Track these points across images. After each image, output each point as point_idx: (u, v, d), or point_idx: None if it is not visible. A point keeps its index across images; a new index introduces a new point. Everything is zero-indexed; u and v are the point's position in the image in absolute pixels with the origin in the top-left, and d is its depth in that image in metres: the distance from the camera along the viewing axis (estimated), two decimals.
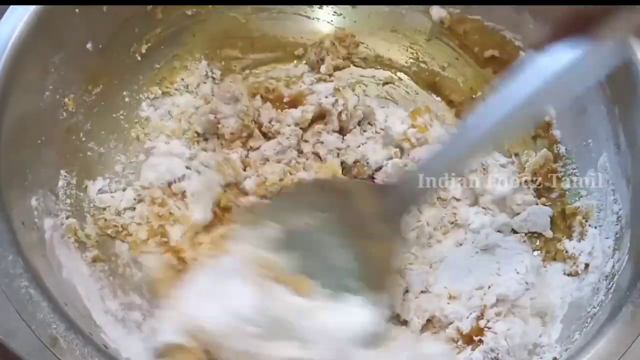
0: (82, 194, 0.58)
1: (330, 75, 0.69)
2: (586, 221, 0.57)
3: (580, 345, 0.47)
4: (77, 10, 0.55)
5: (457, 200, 0.62)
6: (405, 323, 0.56)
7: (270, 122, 0.63)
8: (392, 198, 0.51)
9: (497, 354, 0.51)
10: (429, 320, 0.55)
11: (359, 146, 0.63)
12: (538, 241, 0.60)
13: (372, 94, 0.69)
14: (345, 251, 0.52)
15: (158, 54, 0.64)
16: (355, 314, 0.49)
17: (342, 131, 0.64)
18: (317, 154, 0.63)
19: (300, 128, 0.63)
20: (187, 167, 0.61)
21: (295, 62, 0.70)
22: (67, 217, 0.55)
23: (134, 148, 0.62)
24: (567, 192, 0.60)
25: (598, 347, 0.44)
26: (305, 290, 0.50)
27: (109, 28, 0.58)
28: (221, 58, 0.68)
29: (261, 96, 0.65)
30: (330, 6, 0.70)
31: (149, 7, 0.61)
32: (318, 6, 0.69)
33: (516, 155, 0.63)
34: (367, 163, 0.62)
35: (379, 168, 0.63)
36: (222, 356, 0.47)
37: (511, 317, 0.54)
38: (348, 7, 0.69)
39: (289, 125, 0.63)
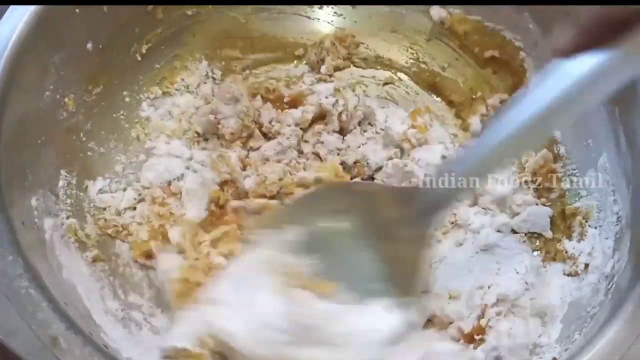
0: (82, 194, 0.58)
1: (330, 76, 0.69)
2: (586, 221, 0.57)
3: (580, 345, 0.47)
4: (77, 10, 0.54)
5: (457, 200, 0.61)
6: None
7: (270, 122, 0.63)
8: (420, 201, 0.49)
9: (499, 353, 0.51)
10: (429, 320, 0.56)
11: (359, 146, 0.63)
12: (538, 241, 0.60)
13: (372, 94, 0.69)
14: (371, 253, 0.51)
15: (158, 54, 0.64)
16: (382, 317, 0.49)
17: (342, 131, 0.64)
18: (317, 154, 0.63)
19: (301, 128, 0.63)
20: (187, 167, 0.61)
21: (295, 62, 0.70)
22: (67, 217, 0.55)
23: (134, 148, 0.63)
24: (567, 193, 0.60)
25: (598, 347, 0.44)
26: (331, 294, 0.50)
27: (109, 28, 0.58)
28: (221, 58, 0.68)
29: (261, 96, 0.65)
30: (330, 7, 0.70)
31: (150, 7, 0.61)
32: (318, 6, 0.69)
33: None
34: (368, 163, 0.62)
35: (379, 168, 0.63)
36: None
37: (512, 317, 0.54)
38: (348, 7, 0.70)
39: (289, 126, 0.63)
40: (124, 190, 0.60)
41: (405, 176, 0.61)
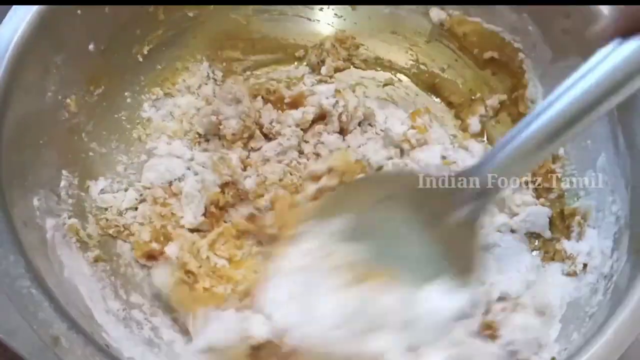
0: (84, 194, 0.58)
1: (330, 77, 0.69)
2: (585, 221, 0.57)
3: (579, 345, 0.47)
4: (79, 11, 0.55)
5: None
6: None
7: (271, 123, 0.63)
8: (466, 188, 0.49)
9: (514, 347, 0.51)
10: None
11: (360, 146, 0.64)
12: (537, 241, 0.60)
13: (372, 95, 0.69)
14: (421, 237, 0.51)
15: (160, 55, 0.64)
16: (445, 298, 0.49)
17: (342, 132, 0.65)
18: (318, 155, 0.63)
19: (301, 129, 0.64)
20: (188, 168, 0.62)
21: (296, 63, 0.70)
22: (69, 217, 0.55)
23: (136, 149, 0.63)
24: (565, 193, 0.60)
25: (597, 347, 0.44)
26: (392, 281, 0.50)
27: (110, 29, 0.58)
28: (222, 59, 0.68)
29: (262, 97, 0.65)
30: (331, 8, 0.70)
31: (151, 8, 0.61)
32: (319, 8, 0.70)
33: None
34: (369, 163, 0.63)
35: (380, 168, 0.63)
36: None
37: (516, 314, 0.54)
38: (348, 9, 0.70)
39: (290, 126, 0.63)
40: (126, 190, 0.60)
41: None
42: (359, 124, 0.65)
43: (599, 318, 0.48)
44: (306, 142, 0.64)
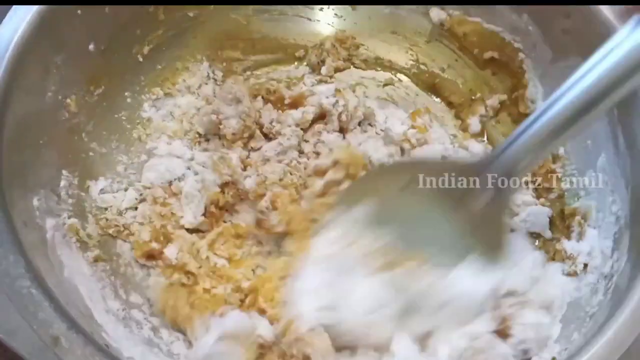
0: (84, 194, 0.58)
1: (330, 77, 0.69)
2: (585, 221, 0.57)
3: (579, 345, 0.47)
4: (79, 11, 0.55)
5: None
6: None
7: (271, 123, 0.63)
8: (491, 168, 0.50)
9: (526, 346, 0.51)
10: None
11: (360, 144, 0.64)
12: (537, 241, 0.60)
13: (372, 95, 0.69)
14: (447, 220, 0.52)
15: (160, 55, 0.65)
16: (478, 276, 0.50)
17: (342, 131, 0.65)
18: (318, 154, 0.63)
19: (301, 129, 0.64)
20: (188, 168, 0.62)
21: (296, 63, 0.71)
22: (69, 217, 0.55)
23: (136, 149, 0.63)
24: (566, 193, 0.60)
25: (597, 347, 0.44)
26: (423, 264, 0.50)
27: (110, 29, 0.59)
28: (222, 59, 0.68)
29: (262, 97, 0.65)
30: (331, 8, 0.70)
31: (151, 8, 0.62)
32: (319, 8, 0.70)
33: None
34: (370, 160, 0.63)
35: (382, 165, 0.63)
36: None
37: (524, 310, 0.53)
38: (349, 9, 0.70)
39: (290, 126, 0.63)
40: (126, 190, 0.60)
41: None
42: (359, 124, 0.65)
43: (599, 318, 0.48)
44: (306, 141, 0.64)
